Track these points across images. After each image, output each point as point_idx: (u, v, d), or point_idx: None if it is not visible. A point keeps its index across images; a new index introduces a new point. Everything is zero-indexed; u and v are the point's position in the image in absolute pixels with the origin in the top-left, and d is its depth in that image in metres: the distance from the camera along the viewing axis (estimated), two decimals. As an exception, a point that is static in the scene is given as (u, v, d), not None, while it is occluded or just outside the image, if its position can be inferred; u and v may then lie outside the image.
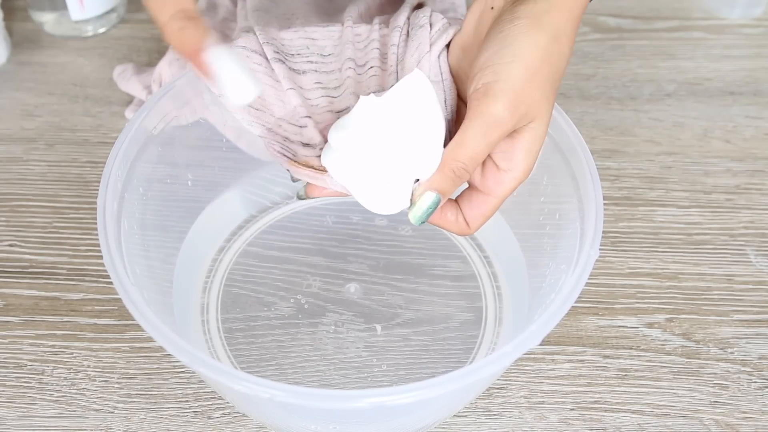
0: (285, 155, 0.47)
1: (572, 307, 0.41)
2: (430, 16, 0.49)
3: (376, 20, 0.52)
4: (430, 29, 0.48)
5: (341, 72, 0.50)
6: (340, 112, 0.49)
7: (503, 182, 0.43)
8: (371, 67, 0.50)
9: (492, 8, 0.44)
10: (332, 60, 0.51)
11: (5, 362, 0.53)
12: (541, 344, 0.40)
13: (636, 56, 0.75)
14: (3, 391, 0.52)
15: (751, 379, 0.54)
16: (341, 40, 0.51)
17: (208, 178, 0.58)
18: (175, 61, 0.64)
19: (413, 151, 0.43)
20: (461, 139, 0.42)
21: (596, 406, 0.52)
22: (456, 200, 0.46)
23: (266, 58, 0.49)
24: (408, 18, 0.50)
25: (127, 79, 0.67)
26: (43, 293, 0.57)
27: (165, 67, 0.64)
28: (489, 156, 0.44)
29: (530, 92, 0.41)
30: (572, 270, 0.44)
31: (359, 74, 0.50)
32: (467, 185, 0.45)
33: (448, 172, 0.42)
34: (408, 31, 0.50)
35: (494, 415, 0.52)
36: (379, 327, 0.54)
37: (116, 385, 0.53)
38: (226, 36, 0.65)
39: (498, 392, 0.53)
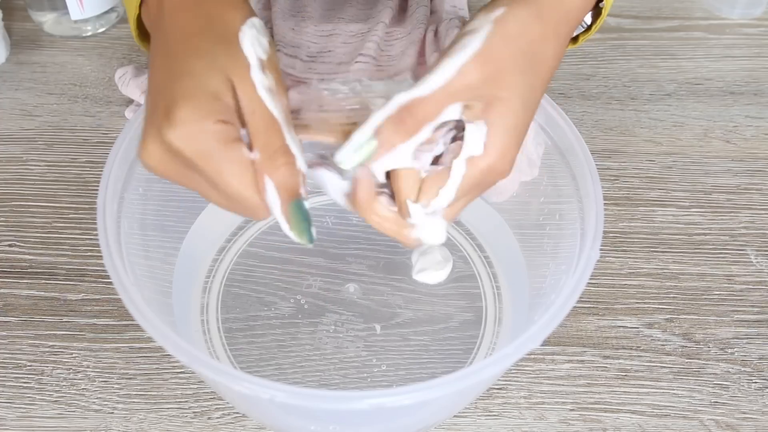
0: None
1: (572, 307, 0.41)
2: (463, 23, 0.49)
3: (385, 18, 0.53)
4: None
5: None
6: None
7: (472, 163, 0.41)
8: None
9: None
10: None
11: (5, 362, 0.53)
12: (541, 345, 0.40)
13: (636, 56, 0.75)
14: (2, 391, 0.52)
15: (751, 380, 0.54)
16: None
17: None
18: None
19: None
20: (420, 84, 0.39)
21: (596, 406, 0.52)
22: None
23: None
24: (436, 25, 0.50)
25: (126, 84, 0.67)
26: (42, 293, 0.57)
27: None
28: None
29: (501, 54, 0.40)
30: (573, 271, 0.44)
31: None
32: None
33: (394, 115, 0.40)
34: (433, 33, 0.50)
35: (494, 415, 0.52)
36: (378, 327, 0.54)
37: (116, 386, 0.52)
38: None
39: (498, 393, 0.53)
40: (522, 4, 0.41)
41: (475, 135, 0.40)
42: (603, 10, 0.48)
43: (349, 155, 0.41)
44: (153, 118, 0.38)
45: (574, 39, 0.50)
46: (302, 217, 0.40)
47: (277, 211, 0.40)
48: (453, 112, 0.41)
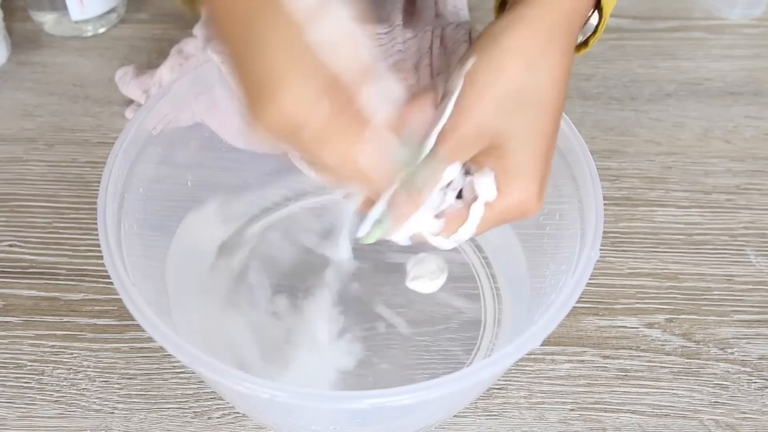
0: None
1: (572, 307, 0.41)
2: (470, 32, 0.49)
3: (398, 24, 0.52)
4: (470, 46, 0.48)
5: None
6: None
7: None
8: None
9: None
10: None
11: (5, 362, 0.53)
12: (541, 344, 0.40)
13: (636, 56, 0.75)
14: (3, 391, 0.52)
15: (751, 380, 0.54)
16: None
17: (208, 179, 0.58)
18: (177, 67, 0.64)
19: None
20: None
21: (596, 406, 0.52)
22: None
23: None
24: (442, 29, 0.50)
25: (126, 84, 0.67)
26: (43, 293, 0.57)
27: (166, 73, 0.64)
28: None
29: (479, 109, 0.40)
30: (572, 271, 0.44)
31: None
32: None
33: (399, 190, 0.41)
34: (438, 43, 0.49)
35: (494, 415, 0.52)
36: (379, 327, 0.54)
37: (116, 386, 0.53)
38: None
39: (498, 392, 0.53)
40: (499, 39, 0.41)
41: (483, 183, 0.42)
42: (604, 8, 0.47)
43: (368, 231, 0.42)
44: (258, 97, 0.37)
45: (585, 43, 0.49)
46: (378, 229, 0.43)
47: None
48: (454, 172, 0.42)
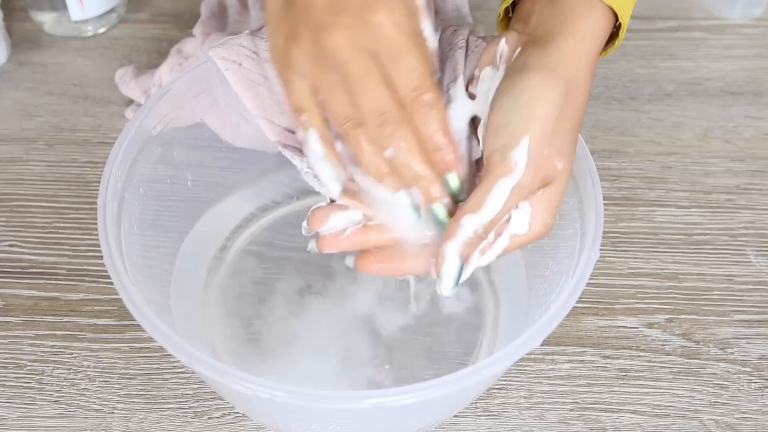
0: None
1: (572, 307, 0.41)
2: (467, 38, 0.48)
3: None
4: (466, 51, 0.47)
5: None
6: None
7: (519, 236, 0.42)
8: None
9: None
10: None
11: (5, 362, 0.53)
12: (541, 344, 0.40)
13: (636, 56, 0.75)
14: (3, 391, 0.52)
15: (751, 380, 0.54)
16: None
17: (207, 178, 0.58)
18: (177, 67, 0.64)
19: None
20: (481, 201, 0.41)
21: (596, 406, 0.52)
22: None
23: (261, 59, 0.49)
24: (442, 31, 0.50)
25: (126, 84, 0.67)
26: (43, 293, 0.57)
27: (165, 73, 0.64)
28: None
29: (549, 155, 0.41)
30: (572, 271, 0.43)
31: None
32: None
33: (468, 235, 0.41)
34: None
35: (494, 415, 0.52)
36: (379, 327, 0.54)
37: (116, 386, 0.53)
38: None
39: (498, 392, 0.53)
40: (552, 83, 0.41)
41: (520, 217, 0.42)
42: (623, 23, 0.47)
43: (450, 287, 0.42)
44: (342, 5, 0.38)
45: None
46: (458, 276, 0.42)
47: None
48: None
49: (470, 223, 0.41)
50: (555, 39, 0.42)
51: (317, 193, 0.45)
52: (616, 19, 0.45)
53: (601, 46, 0.44)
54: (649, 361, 0.54)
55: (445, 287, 0.42)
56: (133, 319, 0.40)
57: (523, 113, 0.41)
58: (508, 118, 0.41)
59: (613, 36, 0.47)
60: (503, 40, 0.44)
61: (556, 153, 0.41)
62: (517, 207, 0.42)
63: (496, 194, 0.40)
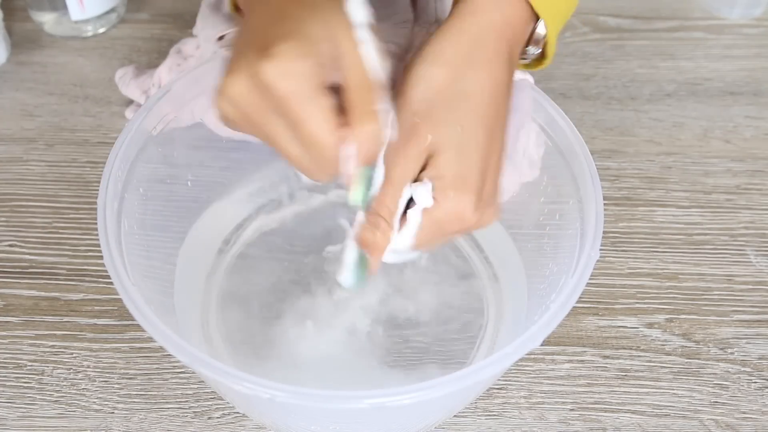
0: None
1: (572, 307, 0.41)
2: None
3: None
4: None
5: None
6: None
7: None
8: None
9: None
10: None
11: (5, 362, 0.53)
12: (541, 344, 0.40)
13: (636, 56, 0.75)
14: (3, 391, 0.52)
15: (751, 380, 0.54)
16: None
17: (208, 178, 0.58)
18: (176, 67, 0.64)
19: None
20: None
21: (596, 406, 0.52)
22: None
23: None
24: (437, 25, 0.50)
25: (126, 84, 0.67)
26: (43, 293, 0.57)
27: (164, 73, 0.64)
28: None
29: (421, 126, 0.41)
30: (572, 271, 0.44)
31: None
32: None
33: (367, 225, 0.42)
34: None
35: (494, 415, 0.52)
36: (379, 327, 0.54)
37: (116, 386, 0.53)
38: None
39: (498, 392, 0.53)
40: (424, 52, 0.42)
41: (420, 191, 0.42)
42: (546, 21, 0.46)
43: (351, 278, 0.44)
44: (246, 54, 0.37)
45: (539, 60, 0.49)
46: (366, 182, 0.42)
47: (348, 168, 0.39)
48: (408, 189, 0.43)
49: (362, 213, 0.42)
50: (460, 15, 0.43)
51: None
52: (537, 20, 0.46)
53: (500, 29, 0.44)
54: (649, 361, 0.54)
55: (344, 277, 0.44)
56: (133, 319, 0.40)
57: (401, 88, 0.42)
58: (405, 93, 0.42)
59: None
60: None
61: (429, 125, 0.42)
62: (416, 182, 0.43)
63: (378, 167, 0.42)
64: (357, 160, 0.39)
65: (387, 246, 0.43)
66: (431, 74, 0.42)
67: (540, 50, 0.48)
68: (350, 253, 0.43)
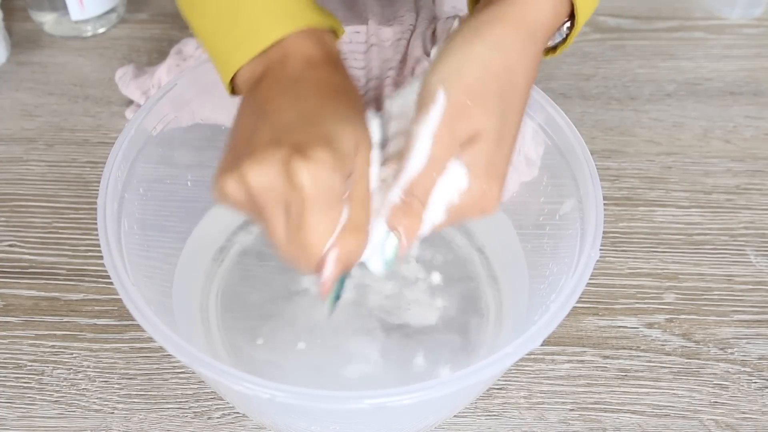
0: None
1: (572, 307, 0.41)
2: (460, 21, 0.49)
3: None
4: None
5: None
6: None
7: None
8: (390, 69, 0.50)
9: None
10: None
11: (5, 362, 0.54)
12: (541, 344, 0.40)
13: (636, 56, 0.75)
14: (3, 391, 0.52)
15: (751, 380, 0.54)
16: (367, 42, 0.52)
17: (207, 178, 0.57)
18: (175, 67, 0.64)
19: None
20: (406, 164, 0.41)
21: (596, 406, 0.52)
22: None
23: None
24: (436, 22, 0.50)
25: (126, 84, 0.67)
26: (42, 293, 0.57)
27: (164, 74, 0.64)
28: None
29: (472, 109, 0.41)
30: (572, 271, 0.44)
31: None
32: None
33: (400, 207, 0.41)
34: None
35: (494, 415, 0.52)
36: (379, 327, 0.54)
37: (116, 386, 0.53)
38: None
39: (498, 392, 0.53)
40: (483, 33, 0.41)
41: (455, 173, 0.42)
42: (578, 20, 0.46)
43: (379, 262, 0.43)
44: (275, 148, 0.38)
45: (553, 48, 0.49)
46: (337, 291, 0.42)
47: (326, 275, 0.40)
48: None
49: (396, 185, 0.41)
50: (522, 4, 0.43)
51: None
52: (571, 11, 0.45)
53: (549, 27, 0.44)
54: (649, 361, 0.54)
55: (374, 261, 0.42)
56: (133, 319, 0.40)
57: (453, 65, 0.41)
58: (437, 70, 0.41)
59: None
60: (458, 20, 0.45)
61: (480, 109, 0.41)
62: (445, 168, 0.42)
63: (418, 145, 0.41)
64: (335, 266, 0.40)
65: (420, 228, 0.42)
66: (491, 58, 0.41)
67: (552, 44, 0.48)
68: (378, 236, 0.42)
